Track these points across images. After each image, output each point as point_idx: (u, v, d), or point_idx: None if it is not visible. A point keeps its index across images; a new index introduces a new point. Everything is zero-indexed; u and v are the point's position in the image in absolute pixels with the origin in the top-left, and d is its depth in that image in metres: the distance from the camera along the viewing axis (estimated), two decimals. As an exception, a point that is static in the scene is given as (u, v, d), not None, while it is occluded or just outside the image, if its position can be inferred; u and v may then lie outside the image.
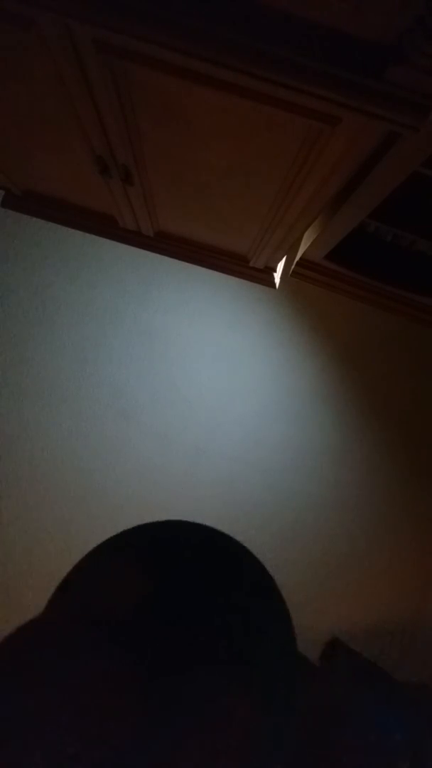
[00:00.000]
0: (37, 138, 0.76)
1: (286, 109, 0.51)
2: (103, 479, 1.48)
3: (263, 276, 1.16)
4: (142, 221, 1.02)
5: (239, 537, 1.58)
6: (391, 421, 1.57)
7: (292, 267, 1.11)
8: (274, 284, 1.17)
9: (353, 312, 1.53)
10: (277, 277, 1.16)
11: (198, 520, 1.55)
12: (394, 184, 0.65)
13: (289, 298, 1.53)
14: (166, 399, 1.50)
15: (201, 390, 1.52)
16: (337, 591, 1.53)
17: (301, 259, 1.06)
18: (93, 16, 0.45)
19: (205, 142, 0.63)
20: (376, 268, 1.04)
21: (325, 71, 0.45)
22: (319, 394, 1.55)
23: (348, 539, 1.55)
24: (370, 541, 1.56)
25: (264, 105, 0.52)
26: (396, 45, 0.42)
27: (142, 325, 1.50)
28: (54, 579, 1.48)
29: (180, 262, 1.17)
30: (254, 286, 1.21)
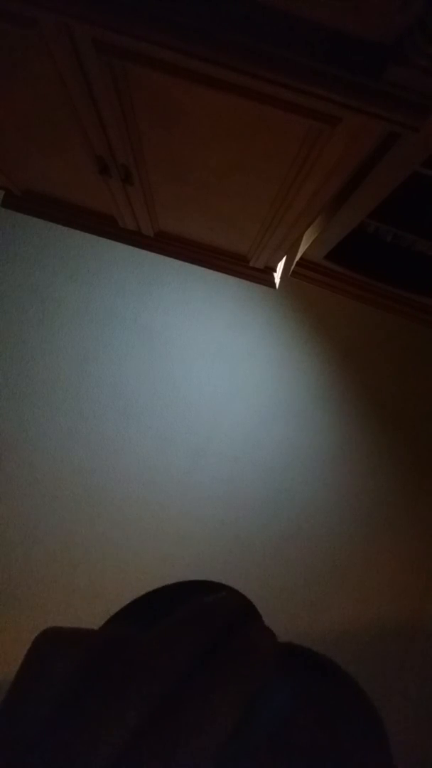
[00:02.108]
0: (38, 138, 0.76)
1: (286, 109, 0.51)
2: (103, 479, 1.48)
3: (263, 276, 1.16)
4: (142, 221, 1.02)
5: (239, 537, 1.58)
6: (391, 421, 1.57)
7: (292, 267, 1.11)
8: (274, 284, 1.17)
9: (353, 312, 1.53)
10: (277, 277, 1.16)
11: (197, 519, 1.55)
12: (394, 184, 0.65)
13: (289, 298, 1.53)
14: (166, 399, 1.50)
15: (201, 390, 1.52)
16: (338, 591, 1.53)
17: (301, 259, 1.06)
18: (93, 16, 0.45)
19: (205, 142, 0.63)
20: (376, 268, 1.04)
21: (325, 71, 0.45)
22: (319, 394, 1.55)
23: (348, 539, 1.55)
24: (370, 541, 1.56)
25: (264, 105, 0.52)
26: (396, 45, 0.42)
27: (142, 325, 1.50)
28: (54, 579, 1.48)
29: (180, 262, 1.17)
30: (254, 286, 1.21)
